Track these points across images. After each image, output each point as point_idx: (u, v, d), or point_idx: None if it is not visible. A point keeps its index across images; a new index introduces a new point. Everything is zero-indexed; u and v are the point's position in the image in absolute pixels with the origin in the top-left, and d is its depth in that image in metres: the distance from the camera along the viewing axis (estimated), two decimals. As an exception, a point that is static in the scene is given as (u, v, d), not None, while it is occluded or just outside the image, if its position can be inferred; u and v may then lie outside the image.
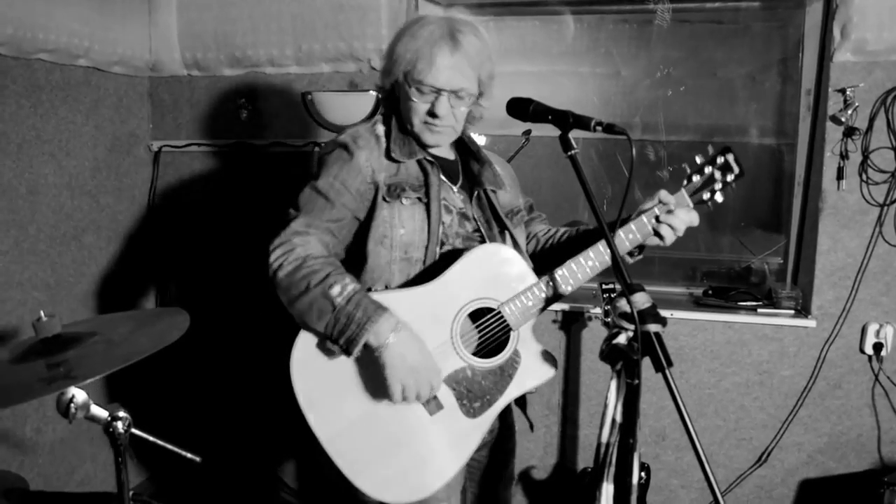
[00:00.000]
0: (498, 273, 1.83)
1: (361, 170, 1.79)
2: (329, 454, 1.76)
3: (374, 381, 1.73)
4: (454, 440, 1.80)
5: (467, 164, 2.02)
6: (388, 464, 1.77)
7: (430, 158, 1.87)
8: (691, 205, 1.85)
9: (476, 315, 1.84)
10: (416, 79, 1.77)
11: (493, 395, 1.84)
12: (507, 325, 1.83)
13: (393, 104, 1.91)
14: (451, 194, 1.90)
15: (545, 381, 1.90)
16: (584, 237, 2.04)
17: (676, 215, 1.81)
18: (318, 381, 1.75)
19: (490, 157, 2.07)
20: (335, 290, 1.66)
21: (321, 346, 1.74)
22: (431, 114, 1.80)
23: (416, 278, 1.83)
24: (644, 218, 1.83)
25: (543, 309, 1.85)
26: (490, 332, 1.84)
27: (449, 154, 1.98)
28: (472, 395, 1.81)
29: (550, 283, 1.82)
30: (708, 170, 1.85)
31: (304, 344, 1.75)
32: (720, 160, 1.86)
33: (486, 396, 1.82)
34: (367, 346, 1.67)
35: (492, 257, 1.84)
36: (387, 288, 1.81)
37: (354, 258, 1.84)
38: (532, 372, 1.88)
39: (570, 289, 1.82)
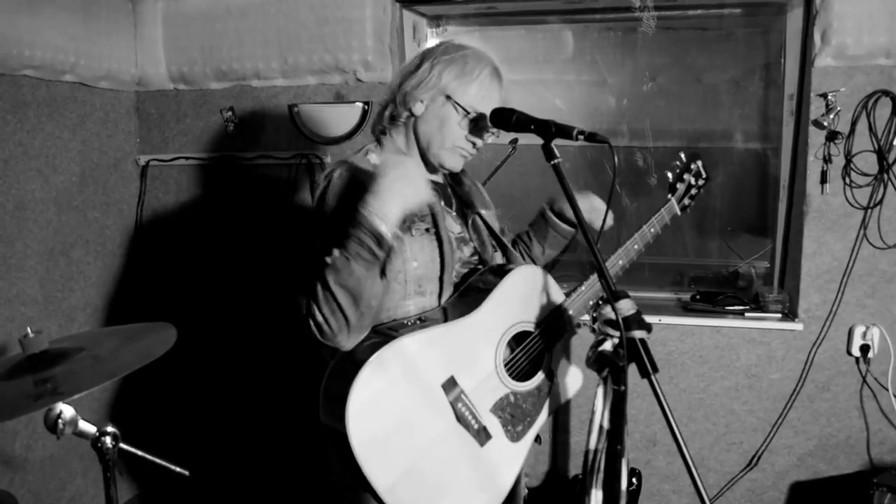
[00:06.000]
0: (531, 294, 1.86)
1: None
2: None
3: (430, 416, 1.67)
4: (502, 466, 1.79)
5: (453, 187, 2.02)
6: (451, 498, 1.70)
7: (431, 183, 1.83)
8: (679, 213, 2.09)
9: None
10: (468, 104, 1.77)
11: (532, 417, 1.85)
12: (542, 345, 1.85)
13: (402, 125, 1.86)
14: (449, 221, 1.89)
15: (576, 393, 1.95)
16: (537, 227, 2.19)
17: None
18: (378, 426, 1.59)
19: (467, 173, 2.07)
20: (329, 259, 1.57)
21: (379, 387, 1.60)
22: (469, 141, 1.81)
23: (440, 309, 1.81)
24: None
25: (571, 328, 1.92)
26: (526, 354, 1.85)
27: (438, 177, 1.96)
28: (515, 420, 1.81)
29: (576, 301, 1.91)
30: (686, 177, 2.08)
31: (361, 389, 1.56)
32: (693, 167, 2.10)
33: (527, 419, 1.83)
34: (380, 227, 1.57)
35: (527, 280, 1.87)
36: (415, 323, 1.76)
37: None
38: (566, 387, 1.94)
39: (591, 302, 1.93)
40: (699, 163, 2.11)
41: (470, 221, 1.95)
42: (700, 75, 3.44)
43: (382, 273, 1.61)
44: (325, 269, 1.58)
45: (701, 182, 2.13)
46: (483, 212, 2.00)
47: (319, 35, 3.08)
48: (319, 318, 1.59)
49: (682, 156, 2.09)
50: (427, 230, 1.80)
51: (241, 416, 3.43)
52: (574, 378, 1.96)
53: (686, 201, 2.11)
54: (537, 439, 2.06)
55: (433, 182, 1.89)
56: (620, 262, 2.00)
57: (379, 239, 1.57)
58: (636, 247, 2.03)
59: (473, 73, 1.79)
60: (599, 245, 1.61)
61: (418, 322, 1.76)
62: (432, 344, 1.68)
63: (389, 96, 1.88)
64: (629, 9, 3.02)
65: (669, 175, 2.08)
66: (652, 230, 2.05)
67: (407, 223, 1.76)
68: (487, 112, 1.79)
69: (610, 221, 1.82)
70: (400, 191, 1.62)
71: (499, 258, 2.01)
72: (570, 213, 2.08)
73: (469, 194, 2.01)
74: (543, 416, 1.88)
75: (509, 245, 2.04)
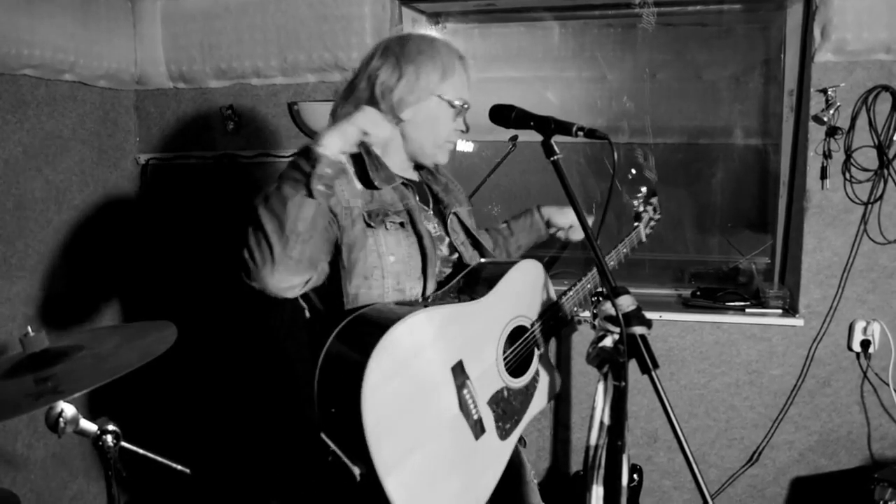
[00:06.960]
0: (531, 290, 1.87)
1: (336, 193, 1.66)
2: (386, 489, 1.50)
3: (437, 398, 1.63)
4: (491, 463, 1.76)
5: (430, 184, 1.97)
6: (442, 491, 1.63)
7: (405, 181, 1.82)
8: (644, 240, 2.33)
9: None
10: (454, 97, 1.78)
11: (519, 415, 1.84)
12: (536, 342, 1.85)
13: None
14: (425, 219, 1.84)
15: (554, 397, 1.97)
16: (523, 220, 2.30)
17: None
18: (391, 405, 1.52)
19: (443, 171, 2.05)
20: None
21: (398, 360, 1.54)
22: (458, 131, 1.83)
23: (423, 302, 1.75)
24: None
25: (560, 328, 1.96)
26: (522, 350, 1.85)
27: (414, 175, 1.93)
28: (506, 417, 1.80)
29: (567, 302, 1.96)
30: (648, 209, 2.36)
31: (377, 368, 1.49)
32: (653, 202, 2.37)
33: (514, 416, 1.82)
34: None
35: (527, 275, 1.87)
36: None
37: (340, 300, 1.70)
38: (547, 389, 1.93)
39: (577, 309, 2.00)
40: (656, 199, 2.39)
41: (448, 220, 1.91)
42: (700, 71, 3.44)
43: (309, 193, 1.54)
44: (257, 206, 1.59)
45: (658, 216, 2.41)
46: (459, 209, 1.97)
47: (319, 33, 3.08)
48: (246, 254, 1.56)
49: (644, 189, 2.34)
50: (402, 224, 1.74)
51: (241, 414, 3.43)
52: (554, 381, 1.96)
53: (647, 231, 2.36)
54: (521, 441, 2.03)
55: (410, 181, 1.87)
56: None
57: (307, 152, 1.57)
58: (612, 263, 2.19)
59: (451, 66, 1.78)
60: (599, 242, 1.62)
61: (427, 303, 1.71)
62: (449, 322, 1.63)
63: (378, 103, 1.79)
64: (629, 5, 3.02)
65: (635, 203, 2.36)
66: (624, 250, 2.25)
67: (380, 216, 1.71)
68: (468, 98, 1.82)
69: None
70: (344, 126, 1.61)
71: (477, 255, 1.99)
72: (557, 220, 2.23)
73: (446, 191, 1.97)
74: (528, 417, 1.87)
75: (484, 243, 2.02)
